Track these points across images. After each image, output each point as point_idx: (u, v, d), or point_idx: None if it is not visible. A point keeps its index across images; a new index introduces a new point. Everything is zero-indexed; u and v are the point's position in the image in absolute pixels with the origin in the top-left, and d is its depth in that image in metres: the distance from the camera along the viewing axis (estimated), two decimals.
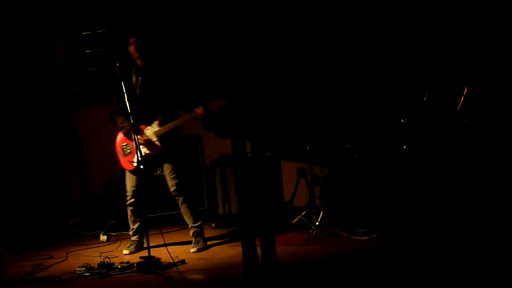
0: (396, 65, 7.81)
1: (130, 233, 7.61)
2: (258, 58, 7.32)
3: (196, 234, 7.41)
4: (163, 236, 7.32)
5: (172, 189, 7.34)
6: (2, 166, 9.44)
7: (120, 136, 7.47)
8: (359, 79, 7.99)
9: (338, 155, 7.46)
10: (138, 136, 7.06)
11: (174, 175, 7.34)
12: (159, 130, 7.22)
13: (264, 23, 8.25)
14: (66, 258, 7.54)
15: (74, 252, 7.78)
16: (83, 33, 9.82)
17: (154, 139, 7.23)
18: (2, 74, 9.46)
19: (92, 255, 7.56)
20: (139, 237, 7.56)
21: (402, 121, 7.19)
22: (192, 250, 7.33)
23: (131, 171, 7.39)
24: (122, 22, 9.34)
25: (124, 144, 7.41)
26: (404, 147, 7.17)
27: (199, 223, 7.42)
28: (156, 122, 7.24)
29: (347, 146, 7.41)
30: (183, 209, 7.40)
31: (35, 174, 9.70)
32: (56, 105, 9.77)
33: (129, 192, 7.45)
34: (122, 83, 6.93)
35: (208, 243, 7.53)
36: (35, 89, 9.66)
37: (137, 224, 7.53)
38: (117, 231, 8.38)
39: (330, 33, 8.33)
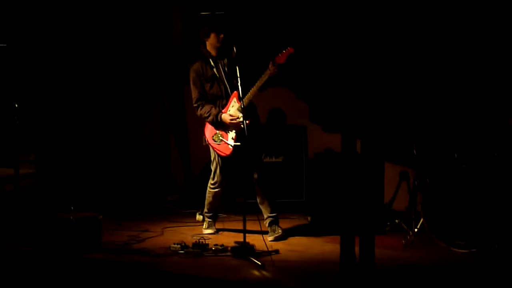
0: None
1: (206, 215, 7.71)
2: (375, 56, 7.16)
3: (271, 223, 7.43)
4: (260, 223, 7.30)
5: (255, 176, 7.36)
6: (111, 134, 9.66)
7: (208, 129, 7.52)
8: (475, 89, 7.74)
9: (446, 163, 7.31)
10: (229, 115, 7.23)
11: (258, 162, 7.40)
12: (244, 100, 7.17)
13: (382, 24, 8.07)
14: (162, 233, 7.66)
15: (170, 228, 7.87)
16: (201, 13, 9.82)
17: (240, 115, 7.21)
18: (122, 47, 9.69)
19: (187, 233, 7.62)
20: (214, 220, 7.70)
21: None
22: (270, 238, 7.31)
23: (227, 157, 7.43)
24: (240, 6, 9.43)
25: (214, 134, 7.44)
26: None
27: (275, 213, 7.44)
28: (234, 99, 7.29)
29: (456, 155, 7.23)
30: (261, 199, 7.44)
31: (140, 146, 9.89)
32: (167, 80, 9.93)
33: (217, 178, 7.52)
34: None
35: (303, 236, 7.51)
36: (150, 64, 9.85)
37: (214, 211, 7.67)
38: None
39: (449, 38, 8.14)
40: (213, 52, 7.43)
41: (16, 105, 7.26)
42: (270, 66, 7.15)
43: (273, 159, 8.77)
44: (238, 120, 7.20)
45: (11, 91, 7.25)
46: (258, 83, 7.22)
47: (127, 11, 9.71)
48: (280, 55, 7.16)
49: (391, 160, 8.36)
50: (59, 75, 9.25)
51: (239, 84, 6.97)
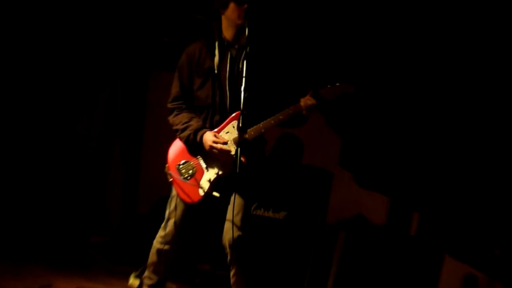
0: None
1: (146, 282, 5.82)
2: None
3: None
4: None
5: (228, 243, 5.51)
6: (30, 134, 7.77)
7: (174, 149, 5.72)
8: None
9: None
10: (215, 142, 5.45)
11: (241, 222, 5.56)
12: (249, 132, 5.45)
13: None
14: None
15: None
16: None
17: (233, 149, 5.43)
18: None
19: None
20: None
21: None
22: None
23: (193, 204, 5.56)
24: None
25: (182, 162, 5.57)
26: None
27: None
28: (234, 122, 5.54)
29: None
30: (236, 278, 5.55)
31: (68, 155, 7.96)
32: (128, 58, 7.81)
33: (170, 230, 5.69)
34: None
35: None
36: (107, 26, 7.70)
37: (158, 278, 5.77)
38: None
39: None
40: (228, 34, 5.64)
41: None
42: (306, 98, 5.45)
43: (270, 214, 6.71)
44: (223, 148, 5.41)
45: None
46: (279, 117, 5.48)
47: None
48: (329, 87, 5.43)
49: (453, 255, 6.85)
50: None
51: (242, 92, 5.26)
